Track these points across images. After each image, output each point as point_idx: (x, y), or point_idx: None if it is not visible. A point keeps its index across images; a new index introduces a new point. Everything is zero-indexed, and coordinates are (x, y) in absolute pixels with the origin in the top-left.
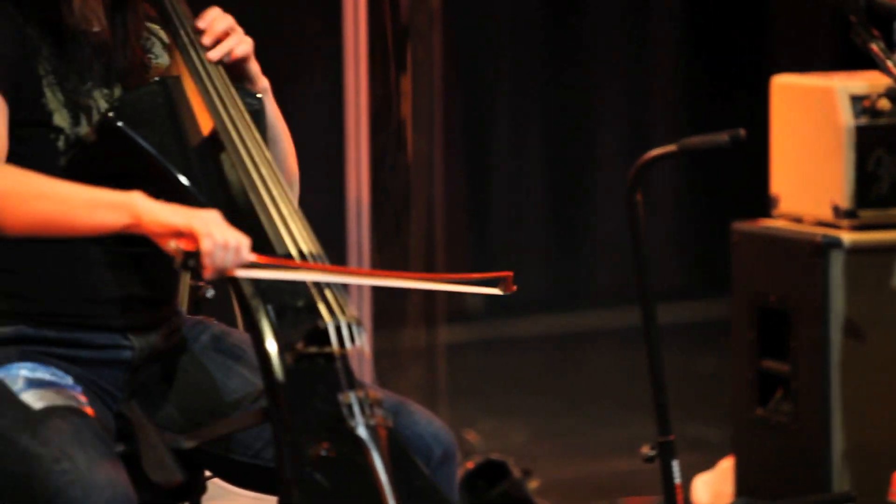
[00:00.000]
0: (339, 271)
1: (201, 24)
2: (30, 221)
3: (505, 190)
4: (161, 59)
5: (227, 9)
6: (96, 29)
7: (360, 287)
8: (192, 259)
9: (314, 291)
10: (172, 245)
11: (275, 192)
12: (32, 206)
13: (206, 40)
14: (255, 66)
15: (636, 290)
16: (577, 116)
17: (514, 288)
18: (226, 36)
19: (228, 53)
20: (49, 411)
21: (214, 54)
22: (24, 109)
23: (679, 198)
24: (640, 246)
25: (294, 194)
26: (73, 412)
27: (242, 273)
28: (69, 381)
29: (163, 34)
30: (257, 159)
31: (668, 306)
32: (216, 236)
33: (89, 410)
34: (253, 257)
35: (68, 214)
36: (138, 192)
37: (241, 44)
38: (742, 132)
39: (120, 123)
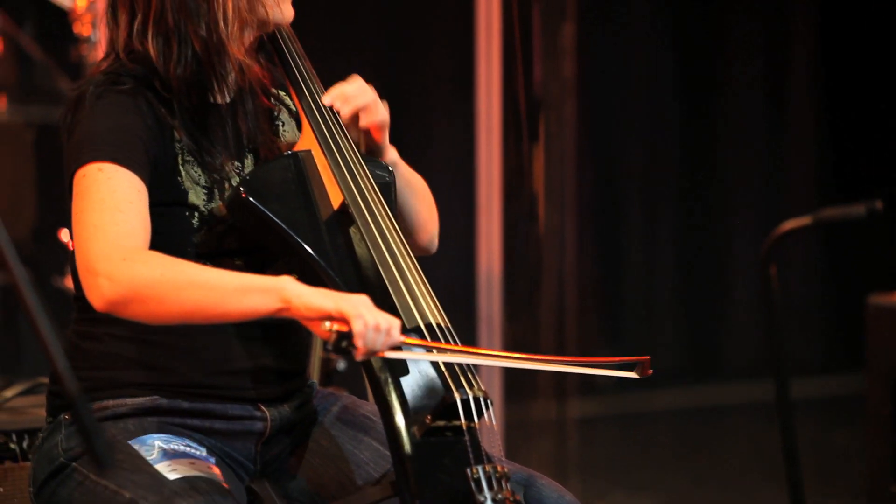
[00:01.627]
0: (482, 354)
1: (334, 94)
2: (180, 310)
3: (637, 261)
4: (288, 126)
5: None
6: (227, 102)
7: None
8: (345, 340)
9: (443, 364)
10: (326, 327)
11: (403, 266)
12: (184, 296)
13: (344, 109)
14: (386, 137)
15: (770, 364)
16: (711, 188)
17: (651, 372)
18: (358, 99)
19: (362, 117)
20: (184, 482)
21: (346, 109)
22: (161, 189)
23: (814, 270)
24: (774, 319)
25: (434, 237)
26: (208, 483)
27: (392, 355)
28: (203, 452)
29: (290, 102)
30: (386, 232)
31: (803, 380)
32: (367, 319)
33: (223, 483)
34: (403, 339)
35: (219, 302)
36: (288, 276)
37: (377, 112)
38: (879, 204)
39: (251, 198)
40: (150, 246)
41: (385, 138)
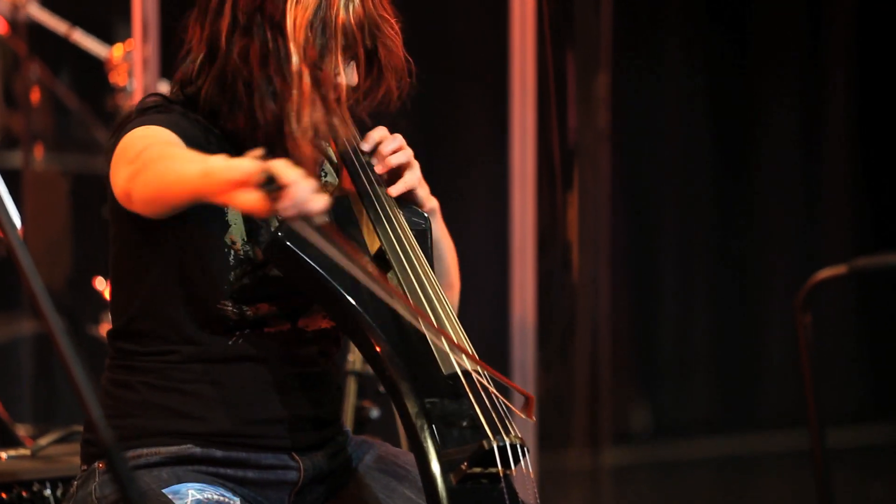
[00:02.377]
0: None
1: (369, 144)
2: (160, 185)
3: (671, 310)
4: (329, 176)
5: (395, 129)
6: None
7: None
8: (274, 184)
9: (479, 411)
10: (257, 153)
11: (440, 311)
12: (177, 168)
13: (378, 168)
14: (423, 191)
15: (805, 413)
16: (746, 236)
17: (533, 418)
18: (395, 159)
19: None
20: None
21: (395, 190)
22: (206, 215)
23: (849, 319)
24: (809, 368)
25: (455, 303)
26: None
27: (307, 227)
28: (237, 501)
29: (331, 152)
30: (423, 279)
31: (839, 430)
32: (297, 175)
33: None
34: (325, 220)
35: (194, 178)
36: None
37: (411, 172)
38: None
39: (288, 242)
40: (189, 285)
41: (420, 192)
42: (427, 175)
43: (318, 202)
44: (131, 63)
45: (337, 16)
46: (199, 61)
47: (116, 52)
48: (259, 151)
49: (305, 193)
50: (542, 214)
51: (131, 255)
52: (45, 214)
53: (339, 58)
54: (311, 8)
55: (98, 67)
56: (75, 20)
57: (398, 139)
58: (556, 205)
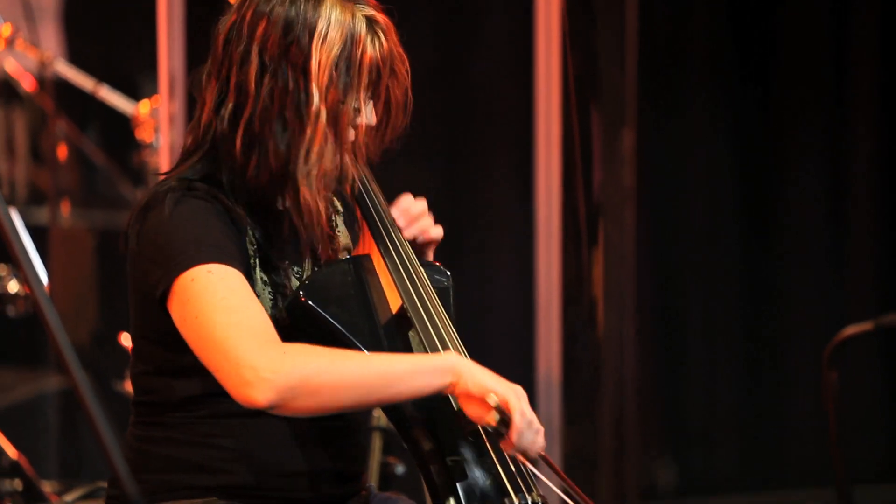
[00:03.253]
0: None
1: (396, 210)
2: (352, 397)
3: (697, 367)
4: (341, 229)
5: (419, 192)
6: (286, 205)
7: (548, 460)
8: (504, 424)
9: (501, 469)
10: (492, 400)
11: None
12: (356, 382)
13: (401, 221)
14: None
15: (832, 471)
16: (772, 292)
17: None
18: (420, 217)
19: (421, 233)
20: None
21: (409, 232)
22: None
23: (876, 376)
24: (835, 425)
25: None
26: None
27: (530, 462)
28: None
29: (338, 203)
30: (445, 337)
31: (865, 487)
32: (527, 414)
33: None
34: (543, 445)
35: (391, 384)
36: (450, 352)
37: (434, 226)
38: None
39: (310, 301)
40: None
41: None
42: (452, 231)
43: (539, 444)
44: (158, 119)
45: (364, 53)
46: (228, 112)
47: (143, 108)
48: (495, 398)
49: (530, 438)
50: (568, 271)
51: (156, 330)
52: (71, 270)
53: (362, 96)
54: (336, 47)
55: (124, 124)
56: (102, 76)
57: (423, 203)
58: (581, 261)
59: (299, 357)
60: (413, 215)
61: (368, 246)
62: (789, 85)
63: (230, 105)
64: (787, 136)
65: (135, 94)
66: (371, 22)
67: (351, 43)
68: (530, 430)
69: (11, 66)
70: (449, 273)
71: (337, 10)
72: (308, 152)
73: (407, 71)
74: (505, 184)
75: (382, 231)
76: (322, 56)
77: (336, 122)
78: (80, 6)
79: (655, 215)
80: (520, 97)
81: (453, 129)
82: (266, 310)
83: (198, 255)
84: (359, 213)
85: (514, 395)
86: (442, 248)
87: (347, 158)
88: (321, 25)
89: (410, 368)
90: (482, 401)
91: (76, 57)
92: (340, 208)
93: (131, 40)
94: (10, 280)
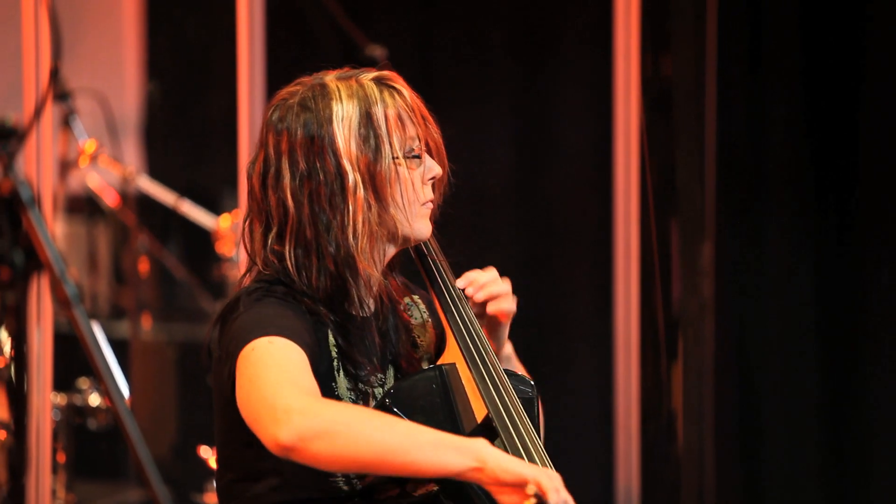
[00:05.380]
0: None
1: (469, 278)
2: (369, 454)
3: (778, 482)
4: (423, 338)
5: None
6: (366, 314)
7: None
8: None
9: None
10: (530, 490)
11: None
12: (377, 438)
13: (469, 290)
14: (506, 330)
15: None
16: (854, 407)
17: None
18: (490, 284)
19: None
20: None
21: (479, 296)
22: (322, 391)
23: None
24: None
25: None
26: None
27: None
28: None
29: (420, 309)
30: (530, 447)
31: None
32: (561, 494)
33: None
34: None
35: (411, 450)
36: (481, 438)
37: (507, 301)
38: None
39: (396, 409)
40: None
41: (507, 328)
42: (531, 342)
43: None
44: (238, 233)
45: (386, 108)
46: (273, 234)
47: (223, 222)
48: (533, 488)
49: None
50: (646, 384)
51: (242, 440)
52: (151, 383)
53: (396, 148)
54: (354, 116)
55: (205, 238)
56: (183, 191)
57: (493, 271)
58: (659, 374)
59: (331, 406)
60: (481, 283)
61: (453, 353)
62: (870, 199)
63: (274, 230)
64: (867, 249)
65: (215, 209)
66: (380, 80)
67: (367, 105)
68: None
69: (94, 182)
70: (533, 383)
71: (342, 87)
72: (354, 226)
73: (439, 134)
74: (584, 296)
75: (467, 338)
76: (344, 130)
77: (373, 184)
78: (161, 122)
79: (734, 328)
80: (598, 210)
81: (532, 240)
82: None
83: (262, 330)
84: (443, 319)
85: (546, 477)
86: (521, 359)
87: (398, 215)
88: (335, 107)
89: (433, 441)
90: (516, 489)
91: (158, 172)
92: (422, 313)
93: (212, 155)
94: (92, 393)
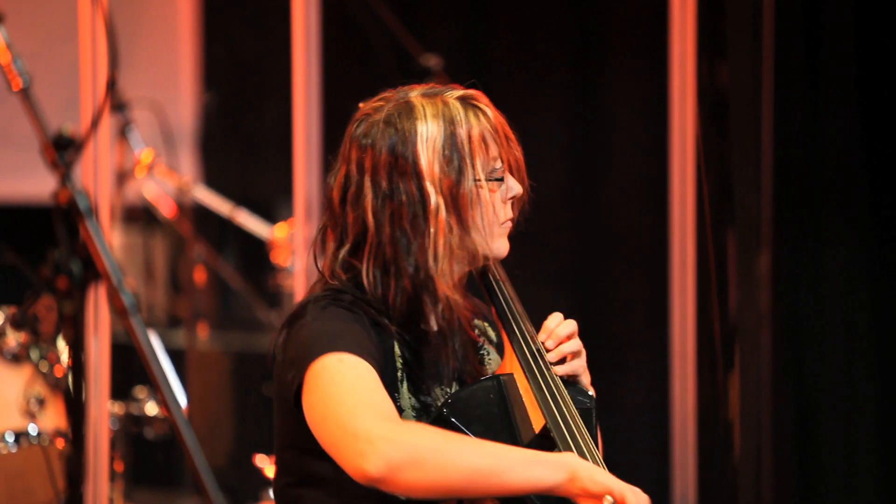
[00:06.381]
0: None
1: (543, 333)
2: (460, 478)
3: (836, 493)
4: (492, 356)
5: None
6: (435, 330)
7: None
8: None
9: None
10: (608, 501)
11: None
12: (468, 462)
13: (550, 343)
14: (585, 378)
15: None
16: None
17: None
18: (568, 347)
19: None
20: None
21: (560, 370)
22: None
23: None
24: None
25: None
26: None
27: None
28: None
29: (491, 333)
30: (588, 458)
31: None
32: None
33: None
34: None
35: (503, 471)
36: (568, 452)
37: (579, 359)
38: None
39: (453, 418)
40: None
41: (583, 378)
42: (589, 354)
43: None
44: (293, 243)
45: (470, 128)
46: (346, 249)
47: (279, 232)
48: (610, 499)
49: None
50: (703, 394)
51: (302, 449)
52: (207, 392)
53: (479, 169)
54: (439, 137)
55: (261, 247)
56: (239, 201)
57: (573, 324)
58: (716, 385)
59: (416, 431)
60: (561, 338)
61: (511, 363)
62: None
63: (348, 245)
64: None
65: (271, 218)
66: (465, 100)
67: (452, 126)
68: None
69: (151, 192)
70: (591, 394)
71: (428, 107)
72: (435, 248)
73: (520, 153)
74: (639, 306)
75: (525, 349)
76: (428, 152)
77: (456, 206)
78: (217, 132)
79: (791, 338)
80: (654, 219)
81: (588, 250)
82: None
83: (331, 345)
84: (502, 330)
85: (631, 493)
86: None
87: (477, 237)
88: (420, 128)
89: (524, 459)
90: (599, 501)
91: (213, 181)
92: (493, 337)
93: (267, 165)
94: (149, 402)
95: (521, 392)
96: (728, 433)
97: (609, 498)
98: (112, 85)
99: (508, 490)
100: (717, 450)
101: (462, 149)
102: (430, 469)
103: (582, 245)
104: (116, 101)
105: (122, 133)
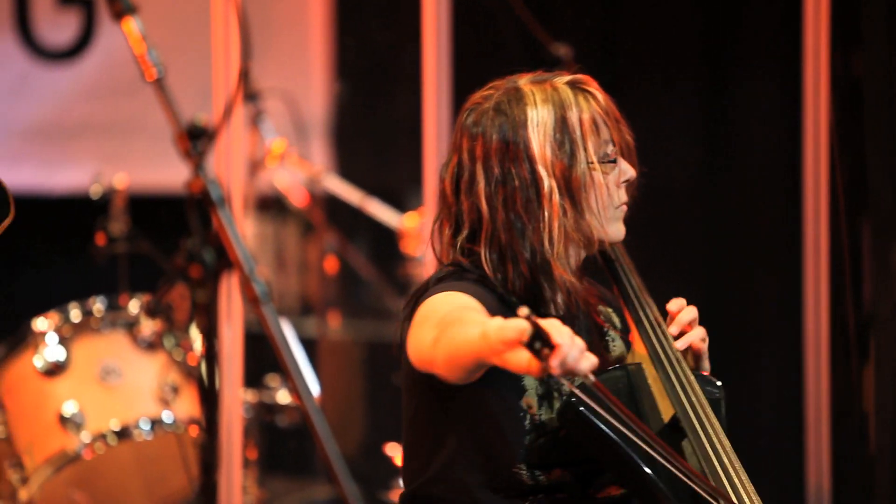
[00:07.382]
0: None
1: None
2: (448, 353)
3: None
4: (617, 343)
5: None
6: (559, 315)
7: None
8: (541, 340)
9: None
10: (524, 312)
11: (736, 482)
12: (452, 337)
13: (673, 329)
14: (707, 364)
15: None
16: None
17: None
18: (690, 327)
19: (689, 346)
20: None
21: (680, 344)
22: (504, 383)
23: None
24: None
25: None
26: None
27: (579, 389)
28: None
29: (616, 319)
30: (718, 447)
31: None
32: (564, 330)
33: None
34: (594, 363)
35: (460, 344)
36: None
37: (702, 337)
38: None
39: (582, 409)
40: (486, 450)
41: (705, 363)
42: (719, 344)
43: (586, 362)
44: (423, 232)
45: (581, 112)
46: (463, 237)
47: (408, 221)
48: (526, 310)
49: (573, 353)
50: (837, 386)
51: (428, 422)
52: (339, 381)
53: (592, 152)
54: (549, 121)
55: (391, 236)
56: (369, 190)
57: (694, 311)
58: (850, 376)
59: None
60: (684, 324)
61: (639, 354)
62: None
63: (465, 233)
64: None
65: (401, 208)
66: (574, 84)
67: (562, 110)
68: (574, 346)
69: (283, 181)
70: (720, 384)
71: (538, 92)
72: (550, 232)
73: (631, 137)
74: (772, 297)
75: (654, 338)
76: (539, 136)
77: (569, 189)
78: (348, 121)
79: None
80: (788, 209)
81: (719, 241)
82: (534, 406)
83: (441, 290)
84: (630, 320)
85: (552, 326)
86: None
87: (592, 220)
88: (530, 113)
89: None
90: (514, 343)
91: (345, 171)
92: (618, 323)
93: (398, 154)
94: (281, 390)
95: (649, 381)
96: (863, 425)
97: (524, 309)
98: (244, 75)
99: (473, 361)
100: (852, 442)
101: (573, 132)
102: (441, 352)
103: (713, 235)
104: (249, 91)
105: (255, 123)
